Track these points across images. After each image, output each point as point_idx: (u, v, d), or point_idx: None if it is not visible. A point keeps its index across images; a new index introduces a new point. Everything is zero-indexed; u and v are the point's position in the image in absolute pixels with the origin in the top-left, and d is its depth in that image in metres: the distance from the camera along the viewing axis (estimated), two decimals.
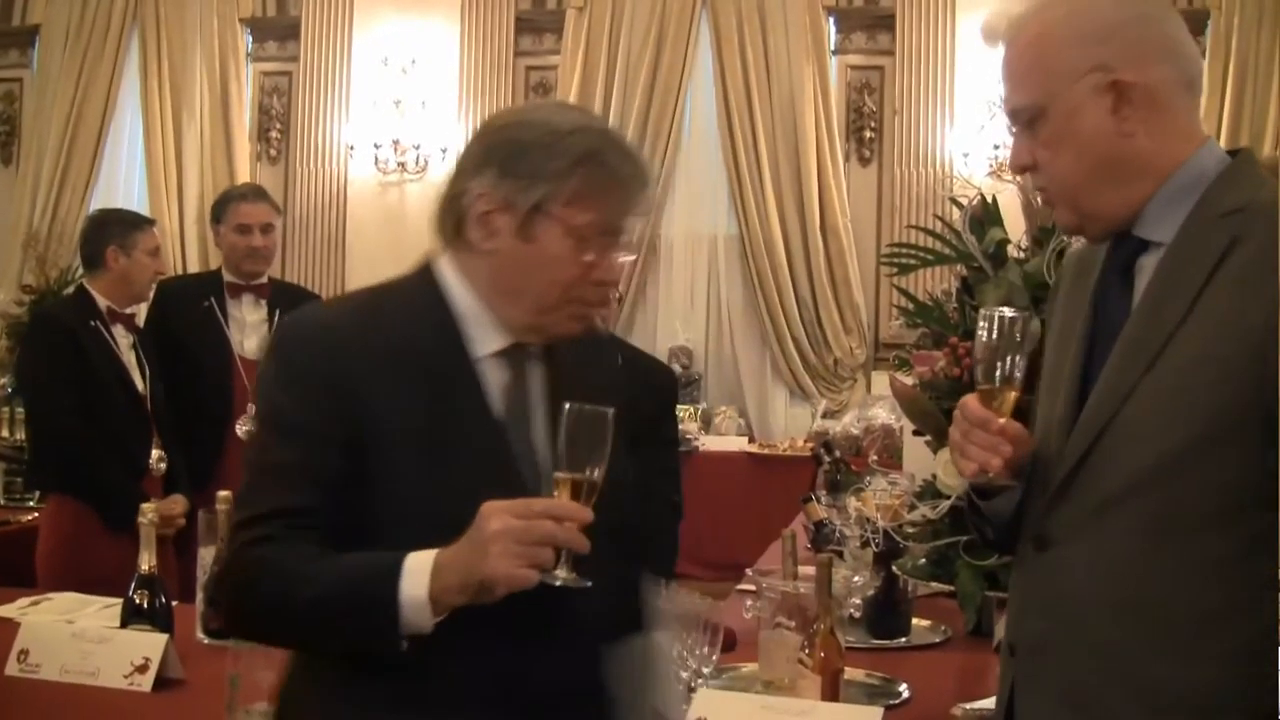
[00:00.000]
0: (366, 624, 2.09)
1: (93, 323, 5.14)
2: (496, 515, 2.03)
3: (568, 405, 2.11)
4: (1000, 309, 2.17)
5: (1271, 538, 1.92)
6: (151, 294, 5.54)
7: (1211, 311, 1.99)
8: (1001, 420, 2.12)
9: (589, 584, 2.09)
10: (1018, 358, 2.13)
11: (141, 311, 5.58)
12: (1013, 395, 2.13)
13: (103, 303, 5.19)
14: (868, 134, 9.77)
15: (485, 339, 2.25)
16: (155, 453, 5.17)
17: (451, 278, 2.27)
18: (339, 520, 2.14)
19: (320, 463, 2.14)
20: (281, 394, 2.19)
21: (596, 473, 2.10)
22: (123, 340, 5.23)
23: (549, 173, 2.17)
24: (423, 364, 2.20)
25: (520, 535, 2.02)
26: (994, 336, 2.13)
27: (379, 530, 2.15)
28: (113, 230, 5.30)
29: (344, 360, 2.17)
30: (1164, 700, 1.98)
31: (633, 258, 2.20)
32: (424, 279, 2.29)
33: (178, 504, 4.99)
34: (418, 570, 2.06)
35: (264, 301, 5.51)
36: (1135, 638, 2.01)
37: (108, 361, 5.13)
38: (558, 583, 2.06)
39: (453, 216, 2.25)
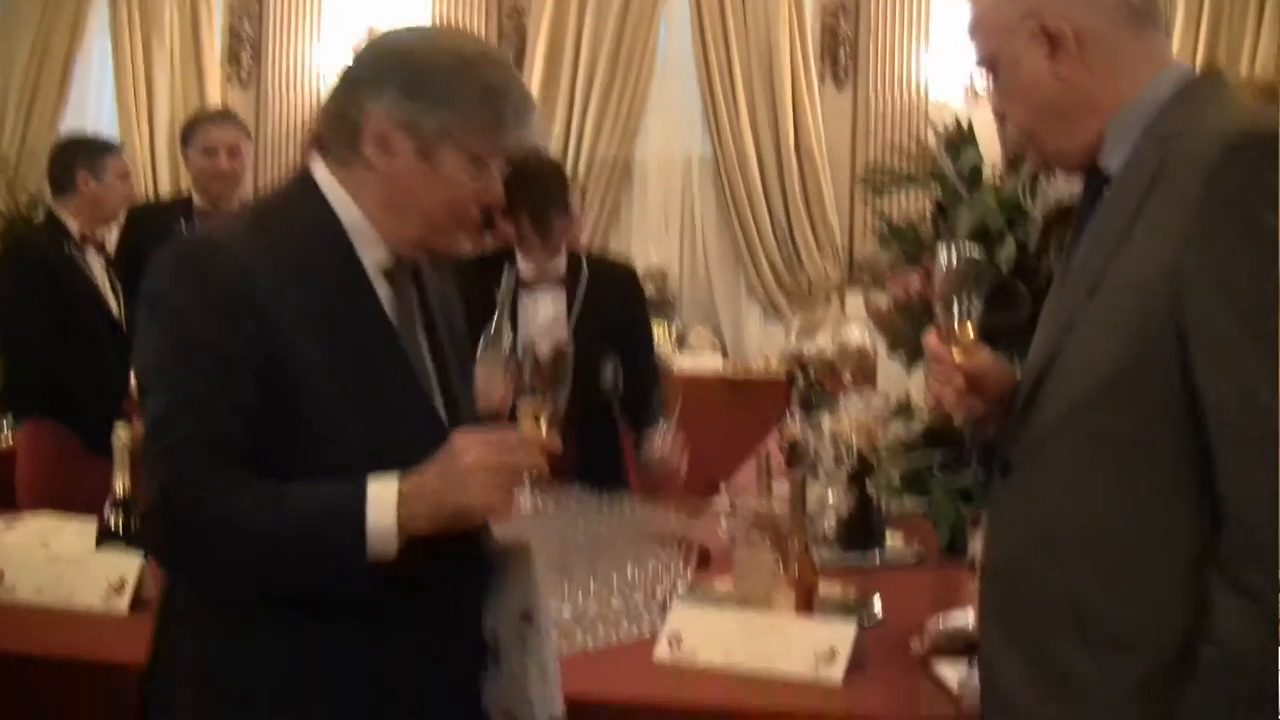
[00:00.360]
0: (329, 555, 2.09)
1: (66, 248, 5.13)
2: (473, 447, 2.09)
3: (532, 338, 2.23)
4: (955, 249, 2.22)
5: (1196, 468, 1.94)
6: (122, 218, 5.52)
7: (1138, 240, 2.01)
8: (957, 356, 2.18)
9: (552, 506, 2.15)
10: (973, 296, 2.19)
11: (112, 236, 5.56)
12: (969, 332, 2.18)
13: (74, 227, 5.18)
14: (842, 57, 9.72)
15: (371, 254, 2.26)
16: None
17: (335, 193, 2.26)
18: (256, 445, 2.12)
19: (239, 387, 2.11)
20: (194, 316, 2.12)
21: (561, 402, 2.19)
22: (96, 265, 5.23)
23: (457, 99, 2.20)
24: (321, 281, 2.20)
25: (499, 466, 2.08)
26: (949, 276, 2.19)
27: (296, 451, 2.14)
28: (82, 155, 5.29)
29: (250, 280, 2.13)
30: (1097, 631, 2.01)
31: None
32: (307, 194, 2.27)
33: None
34: (382, 500, 2.07)
35: None
36: (1071, 568, 2.04)
37: (82, 286, 5.14)
38: (526, 508, 2.10)
39: (344, 132, 2.24)
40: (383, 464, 2.12)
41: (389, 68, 2.22)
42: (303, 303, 2.15)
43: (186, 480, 2.09)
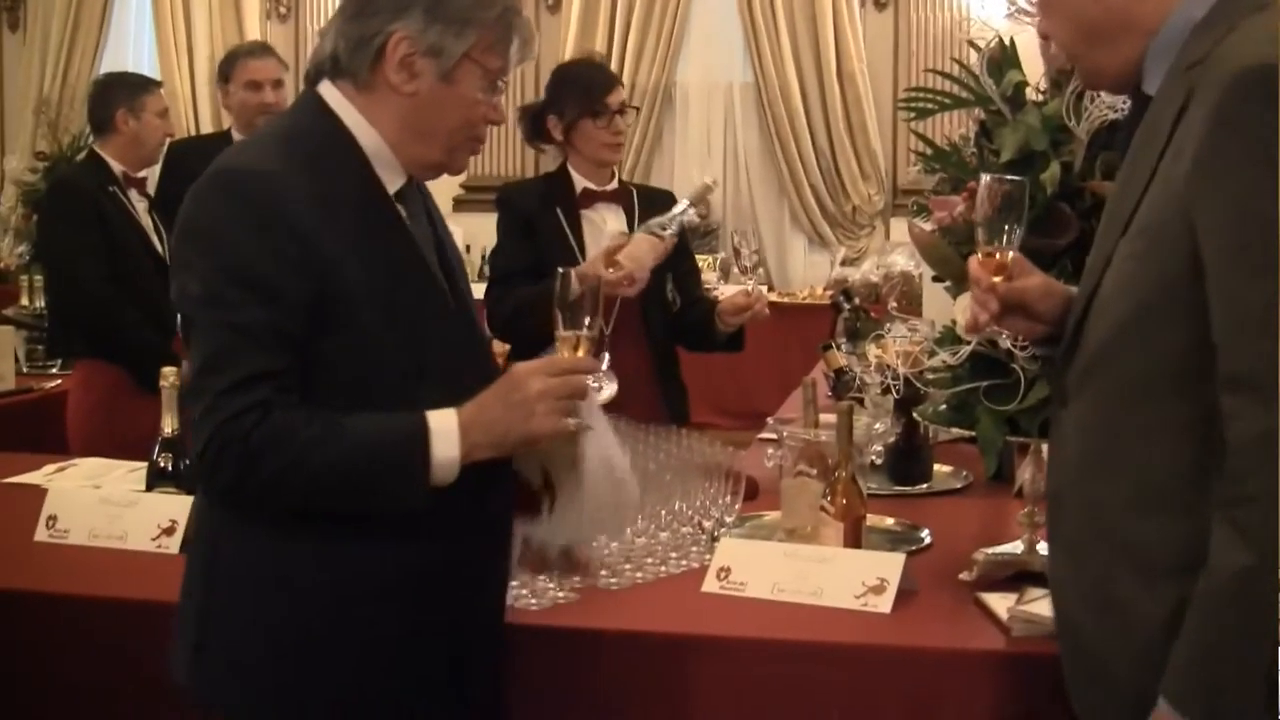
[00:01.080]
0: (393, 487, 2.18)
1: (111, 188, 5.15)
2: (534, 377, 2.22)
3: (567, 271, 2.33)
4: (995, 175, 2.25)
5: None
6: (162, 156, 5.52)
7: (1163, 174, 1.98)
8: (995, 279, 2.20)
9: (590, 426, 2.31)
10: (1013, 219, 2.21)
11: (153, 176, 5.57)
12: (1007, 256, 2.21)
13: (117, 167, 5.19)
14: None
15: (390, 178, 2.32)
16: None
17: (352, 117, 2.30)
18: (306, 375, 2.18)
19: (293, 319, 2.15)
20: (242, 245, 2.14)
21: (596, 331, 2.33)
22: (139, 205, 5.23)
23: (479, 20, 2.27)
24: (353, 207, 2.24)
25: (559, 392, 2.20)
26: (987, 203, 2.22)
27: (340, 374, 2.20)
28: (120, 93, 5.29)
29: (290, 206, 2.16)
30: (1141, 558, 2.00)
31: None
32: (325, 121, 2.30)
33: None
34: (446, 432, 2.17)
35: None
36: (1114, 497, 2.04)
37: (129, 225, 5.14)
38: (574, 427, 2.25)
39: (365, 56, 2.27)
40: (425, 381, 2.22)
41: None
42: (336, 226, 2.19)
43: (251, 416, 2.12)
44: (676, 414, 4.15)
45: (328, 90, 2.32)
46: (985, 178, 2.23)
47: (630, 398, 3.70)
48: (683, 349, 4.36)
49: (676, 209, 3.97)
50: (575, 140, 4.17)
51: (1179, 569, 1.94)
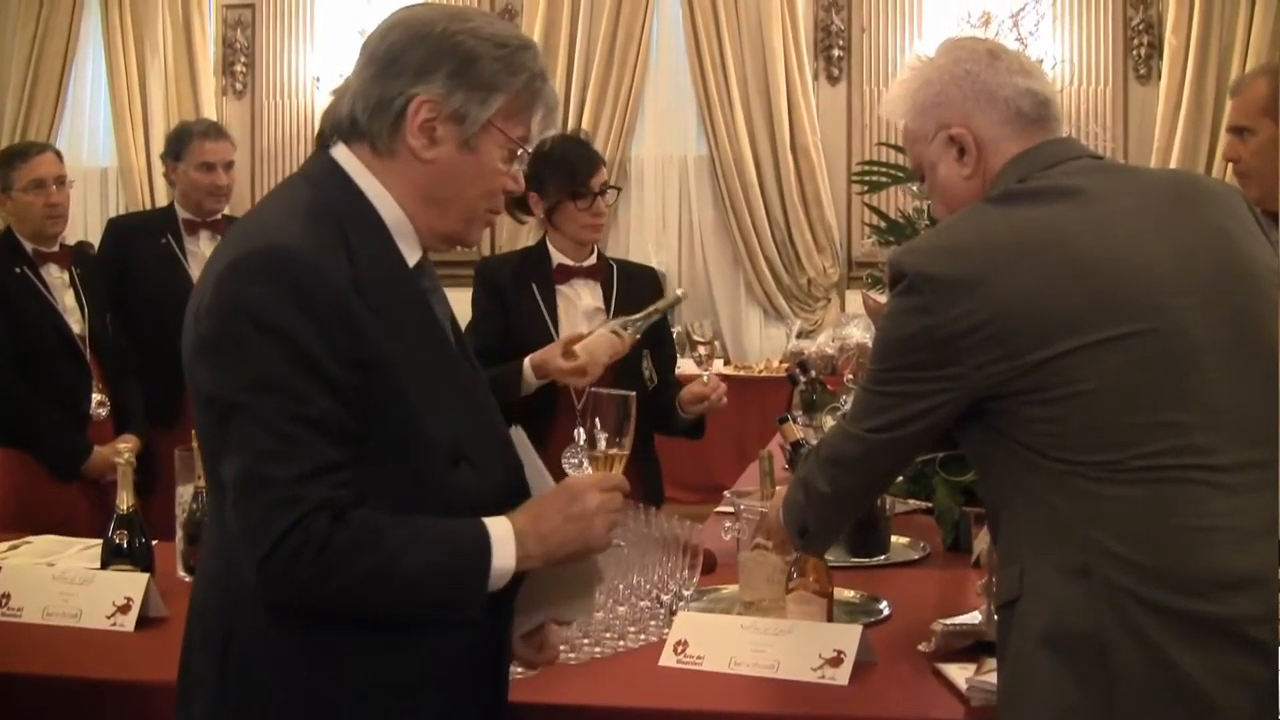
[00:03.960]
0: (455, 595, 2.10)
1: (18, 268, 4.98)
2: (592, 491, 2.18)
3: (608, 391, 2.46)
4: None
5: None
6: (62, 225, 5.20)
7: None
8: None
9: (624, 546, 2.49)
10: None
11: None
12: None
13: (27, 245, 5.03)
14: (836, 52, 9.72)
15: (409, 251, 2.21)
16: (96, 397, 5.05)
17: (372, 186, 2.18)
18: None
19: (350, 410, 2.03)
20: (307, 334, 2.00)
21: (628, 445, 2.41)
22: (56, 280, 5.08)
23: (504, 86, 2.17)
24: (383, 288, 2.12)
25: (611, 507, 2.19)
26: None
27: (389, 468, 2.09)
28: None
29: (335, 288, 2.04)
30: None
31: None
32: (347, 191, 2.18)
33: (128, 443, 4.87)
34: (503, 541, 2.10)
35: (219, 238, 5.40)
36: None
37: (37, 306, 4.98)
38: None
39: (385, 120, 2.16)
40: (461, 467, 2.14)
41: (434, 52, 2.15)
42: (373, 311, 2.08)
43: (327, 512, 2.00)
44: (652, 493, 4.09)
45: (344, 155, 2.20)
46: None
47: None
48: None
49: (642, 314, 3.92)
50: (557, 219, 4.15)
51: None
